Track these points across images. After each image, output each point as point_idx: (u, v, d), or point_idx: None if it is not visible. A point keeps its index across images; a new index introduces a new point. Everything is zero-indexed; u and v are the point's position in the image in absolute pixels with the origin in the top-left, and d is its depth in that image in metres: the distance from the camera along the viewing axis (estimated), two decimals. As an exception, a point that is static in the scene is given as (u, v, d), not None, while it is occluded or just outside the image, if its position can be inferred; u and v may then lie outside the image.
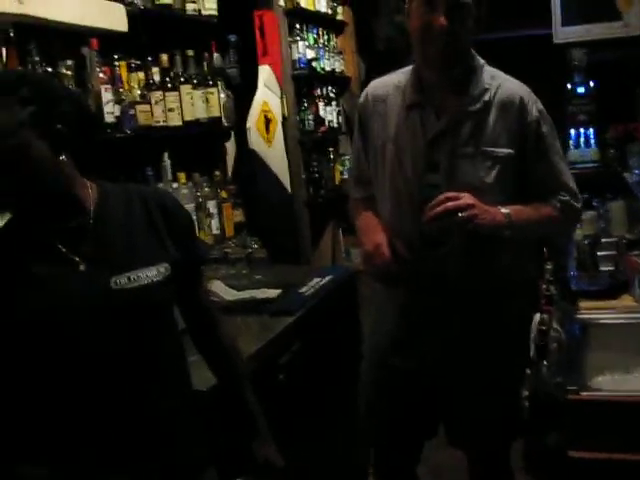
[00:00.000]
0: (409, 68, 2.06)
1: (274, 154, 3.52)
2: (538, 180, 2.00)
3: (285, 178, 3.62)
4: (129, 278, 1.48)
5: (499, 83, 1.97)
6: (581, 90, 4.68)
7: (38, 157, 1.39)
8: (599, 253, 2.89)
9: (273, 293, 2.75)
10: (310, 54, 3.91)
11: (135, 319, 1.49)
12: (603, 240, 3.12)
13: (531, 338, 2.23)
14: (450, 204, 1.83)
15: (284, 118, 3.64)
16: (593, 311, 2.43)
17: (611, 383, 2.15)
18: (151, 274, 1.50)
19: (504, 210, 1.90)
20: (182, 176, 2.92)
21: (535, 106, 1.99)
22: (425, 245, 1.95)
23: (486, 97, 1.94)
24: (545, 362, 2.03)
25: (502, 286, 2.01)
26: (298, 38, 3.83)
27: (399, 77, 2.07)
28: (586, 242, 2.88)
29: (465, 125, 1.93)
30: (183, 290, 1.63)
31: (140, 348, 1.51)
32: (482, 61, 2.00)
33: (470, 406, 2.06)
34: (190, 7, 2.97)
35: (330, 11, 4.22)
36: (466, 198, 1.85)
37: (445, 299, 1.98)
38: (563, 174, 2.03)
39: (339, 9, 4.37)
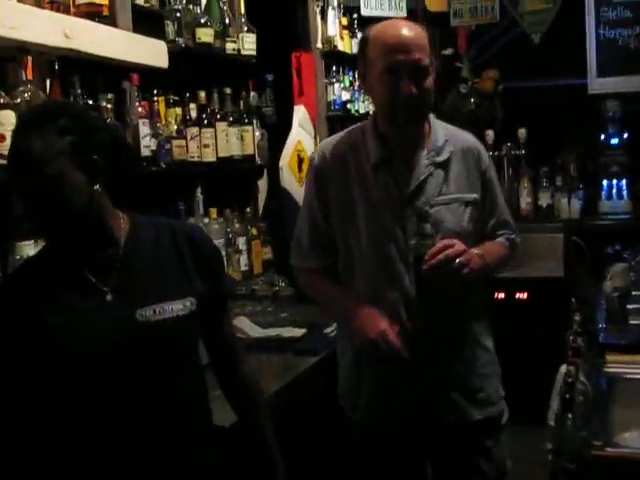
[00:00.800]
0: (359, 126, 2.12)
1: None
2: (490, 221, 2.13)
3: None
4: (155, 311, 1.49)
5: (455, 134, 2.10)
6: (614, 141, 4.67)
7: (73, 186, 1.42)
8: (629, 306, 2.86)
9: (298, 332, 2.76)
10: (345, 96, 3.96)
11: (159, 352, 1.50)
12: (633, 293, 3.09)
13: (556, 390, 2.20)
14: (450, 251, 1.88)
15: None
16: (621, 365, 2.40)
17: (637, 440, 2.11)
18: (177, 308, 1.52)
19: (478, 252, 1.98)
20: (213, 211, 2.97)
21: (486, 153, 2.16)
22: (423, 295, 1.97)
23: (449, 147, 2.04)
24: (570, 415, 1.99)
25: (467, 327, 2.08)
26: (334, 80, 3.89)
27: (350, 136, 2.10)
28: (616, 294, 2.85)
29: (435, 175, 2.01)
30: (208, 324, 1.64)
31: (162, 381, 1.51)
32: (432, 114, 2.09)
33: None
34: (230, 46, 3.04)
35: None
36: (460, 244, 1.91)
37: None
38: (506, 213, 2.19)
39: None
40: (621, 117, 4.68)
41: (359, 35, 4.14)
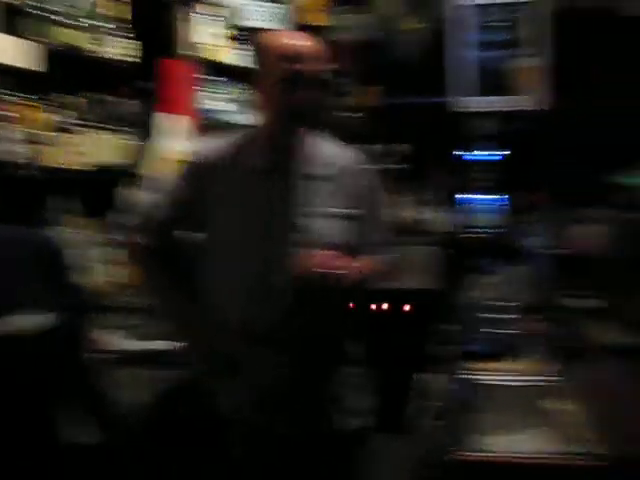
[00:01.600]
0: (242, 133, 2.10)
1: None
2: (369, 238, 2.11)
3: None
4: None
5: (341, 150, 2.11)
6: (487, 157, 4.87)
7: None
8: (495, 316, 2.97)
9: (174, 344, 2.69)
10: (220, 105, 3.92)
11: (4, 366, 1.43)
12: (499, 303, 3.21)
13: (423, 398, 2.25)
14: (322, 261, 1.88)
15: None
16: (483, 372, 2.48)
17: (500, 444, 2.18)
18: (28, 320, 1.45)
19: (353, 265, 1.97)
20: (83, 220, 2.87)
21: (371, 171, 2.16)
22: (292, 303, 1.96)
23: (335, 163, 2.05)
24: (435, 423, 2.04)
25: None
26: (209, 89, 3.85)
27: (234, 143, 2.08)
28: (483, 305, 2.96)
29: (318, 189, 2.01)
30: (64, 336, 1.58)
31: None
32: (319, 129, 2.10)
33: None
34: (106, 51, 2.97)
35: (245, 64, 4.26)
36: (333, 256, 1.90)
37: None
38: (386, 231, 2.20)
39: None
40: (494, 135, 4.88)
41: (238, 44, 4.14)
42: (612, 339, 2.76)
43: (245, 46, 4.18)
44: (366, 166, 2.16)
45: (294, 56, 1.91)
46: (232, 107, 4.03)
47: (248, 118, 4.18)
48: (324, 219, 2.01)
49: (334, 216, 2.03)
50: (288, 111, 1.93)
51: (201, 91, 3.81)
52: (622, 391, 2.23)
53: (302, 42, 1.95)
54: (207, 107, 3.81)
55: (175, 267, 2.11)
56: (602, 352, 2.64)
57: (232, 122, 4.02)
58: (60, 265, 1.57)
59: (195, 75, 3.76)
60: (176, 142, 3.50)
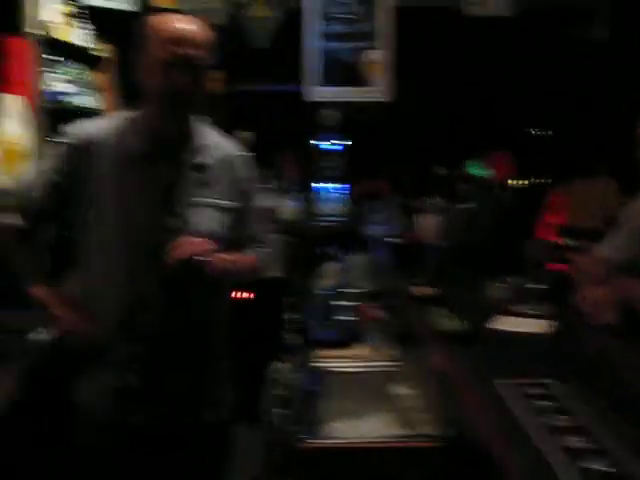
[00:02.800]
0: (127, 115, 2.04)
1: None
2: (245, 231, 2.12)
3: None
4: None
5: (219, 140, 2.10)
6: (330, 147, 4.98)
7: None
8: (339, 303, 3.04)
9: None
10: (64, 87, 3.75)
11: None
12: (345, 291, 3.30)
13: (270, 387, 2.28)
14: (193, 247, 1.86)
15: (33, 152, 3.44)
16: (329, 360, 2.55)
17: (343, 430, 2.25)
18: None
19: (224, 256, 1.97)
20: None
21: (249, 164, 2.16)
22: (162, 291, 1.93)
23: (214, 152, 2.04)
24: (281, 410, 2.07)
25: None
26: (52, 70, 3.66)
27: (115, 123, 2.03)
28: (327, 293, 3.03)
29: (193, 177, 2.00)
30: None
31: None
32: (201, 117, 2.08)
33: None
34: None
35: (91, 46, 4.10)
36: (205, 242, 1.89)
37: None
38: (261, 227, 2.21)
39: (102, 46, 4.26)
40: (338, 125, 4.99)
41: (82, 24, 3.96)
42: (445, 325, 2.91)
43: (87, 25, 4.02)
44: (244, 155, 2.15)
45: (178, 40, 1.86)
46: (73, 88, 3.85)
47: (90, 100, 4.04)
48: (201, 208, 1.99)
49: (211, 206, 2.00)
50: (169, 95, 1.88)
51: (43, 71, 3.61)
52: (452, 375, 2.35)
53: (188, 26, 1.89)
54: (48, 88, 3.62)
55: (37, 250, 2.03)
56: (436, 338, 2.78)
57: (74, 104, 3.85)
58: None
59: (36, 54, 3.56)
60: (15, 124, 3.31)
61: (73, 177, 1.95)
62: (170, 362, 1.98)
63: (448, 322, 2.95)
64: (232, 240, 2.07)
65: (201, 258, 1.86)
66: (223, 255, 1.95)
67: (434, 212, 3.10)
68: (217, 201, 2.02)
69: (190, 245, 1.86)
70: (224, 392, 2.12)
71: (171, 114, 1.93)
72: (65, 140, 1.99)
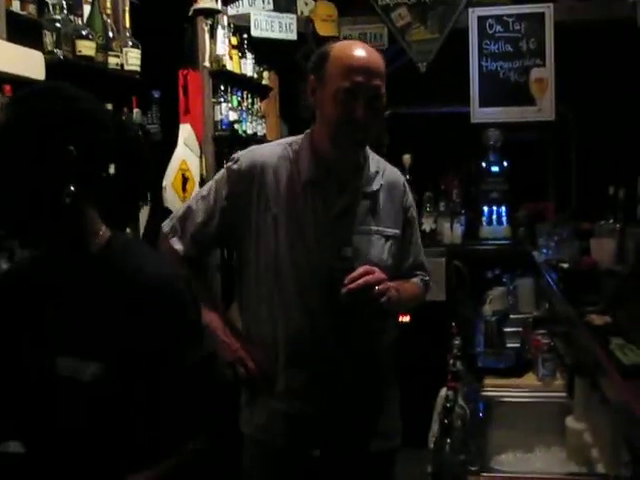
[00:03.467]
0: (295, 140, 2.05)
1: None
2: (406, 260, 2.11)
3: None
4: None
5: (385, 167, 2.08)
6: (495, 169, 4.86)
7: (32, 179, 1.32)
8: (506, 329, 2.94)
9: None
10: (233, 116, 3.91)
11: None
12: (511, 316, 3.18)
13: (435, 414, 2.22)
14: (370, 277, 1.83)
15: (202, 178, 3.61)
16: (498, 389, 2.46)
17: (513, 462, 2.16)
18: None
19: (394, 285, 1.93)
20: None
21: (410, 192, 2.14)
22: (336, 317, 1.90)
23: (379, 180, 2.02)
24: (449, 439, 2.01)
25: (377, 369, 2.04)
26: (222, 100, 3.83)
27: (285, 148, 2.03)
28: (494, 319, 2.93)
29: (362, 204, 1.99)
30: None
31: None
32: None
33: None
34: (113, 61, 2.93)
35: (256, 75, 4.26)
36: (380, 272, 1.86)
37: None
38: (422, 255, 2.19)
39: (265, 74, 4.41)
40: (501, 146, 4.87)
41: (248, 55, 4.13)
42: (622, 357, 2.72)
43: (252, 55, 4.18)
44: (407, 182, 2.14)
45: (360, 69, 1.86)
46: (241, 116, 4.01)
47: (256, 127, 4.19)
48: (369, 236, 1.98)
49: (377, 234, 1.99)
50: (343, 122, 1.87)
51: (215, 102, 3.80)
52: (630, 410, 2.19)
53: (370, 56, 1.90)
54: (221, 118, 3.79)
55: (204, 276, 2.06)
56: (612, 370, 2.61)
57: (242, 131, 4.01)
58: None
59: (210, 85, 3.75)
60: (190, 152, 3.49)
61: (241, 202, 1.97)
62: (343, 390, 1.95)
63: (626, 353, 2.75)
64: (396, 268, 2.04)
65: (376, 288, 1.83)
66: (392, 284, 1.91)
67: (609, 235, 2.92)
68: (383, 229, 2.01)
69: (366, 275, 1.83)
70: (393, 420, 2.08)
71: (347, 142, 1.91)
72: (235, 166, 2.01)
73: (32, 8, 2.61)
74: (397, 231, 2.04)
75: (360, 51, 1.90)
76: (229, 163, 2.06)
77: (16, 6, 2.53)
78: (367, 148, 2.05)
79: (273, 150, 2.04)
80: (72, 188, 1.30)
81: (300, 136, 2.05)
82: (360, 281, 1.82)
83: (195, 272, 2.03)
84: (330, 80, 1.89)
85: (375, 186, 2.01)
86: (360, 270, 1.83)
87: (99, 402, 1.30)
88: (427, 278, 2.19)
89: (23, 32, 2.50)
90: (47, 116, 1.30)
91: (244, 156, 2.03)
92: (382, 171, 2.05)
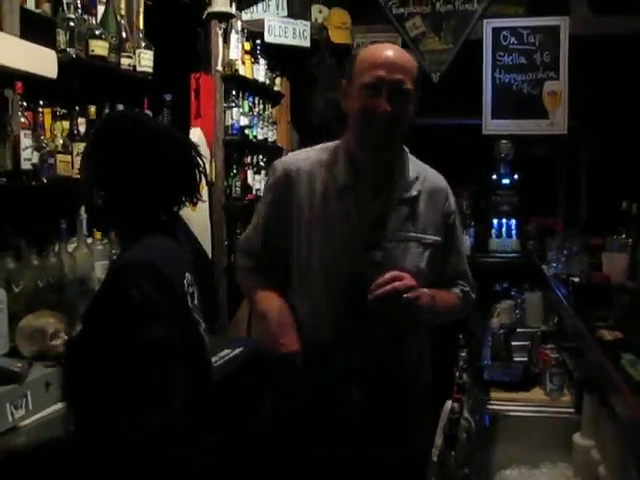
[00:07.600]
0: (330, 145, 2.03)
1: (197, 217, 3.46)
2: (446, 268, 2.04)
3: (206, 243, 3.56)
4: None
5: (425, 172, 2.02)
6: (506, 181, 4.84)
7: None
8: (514, 343, 2.91)
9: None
10: (244, 121, 3.90)
11: None
12: (518, 330, 3.15)
13: (440, 426, 2.18)
14: (398, 284, 1.79)
15: (211, 183, 3.60)
16: (504, 402, 2.43)
17: (517, 477, 2.12)
18: None
19: (428, 292, 1.89)
20: (98, 233, 2.81)
21: (453, 198, 2.07)
22: (362, 323, 1.88)
23: (418, 185, 1.97)
24: (453, 452, 1.98)
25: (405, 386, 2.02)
26: (233, 104, 3.83)
27: (319, 154, 2.01)
28: (501, 332, 2.90)
29: (399, 210, 1.94)
30: None
31: None
32: (405, 148, 2.02)
33: None
34: (125, 62, 2.93)
35: (268, 81, 4.25)
36: (410, 279, 1.82)
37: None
38: (465, 265, 2.12)
39: (277, 80, 4.41)
40: (513, 158, 4.84)
41: (261, 61, 4.12)
42: (633, 373, 2.69)
43: (264, 61, 4.17)
44: (448, 188, 2.07)
45: (381, 64, 1.84)
46: (253, 121, 4.00)
47: (267, 133, 4.18)
48: (405, 243, 1.93)
49: (415, 240, 1.95)
50: (366, 118, 1.84)
51: (227, 106, 3.79)
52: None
53: (394, 53, 1.88)
54: (232, 122, 3.78)
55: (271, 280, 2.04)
56: (622, 386, 2.57)
57: (256, 138, 4.01)
58: None
59: (222, 90, 3.75)
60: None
61: (281, 208, 1.97)
62: (373, 396, 1.93)
63: (637, 369, 2.72)
64: (435, 276, 1.98)
65: (406, 295, 1.79)
66: (425, 290, 1.87)
67: (621, 250, 2.89)
68: (421, 235, 1.95)
69: (395, 281, 1.79)
70: (418, 430, 2.06)
71: (371, 138, 1.87)
72: (273, 174, 2.02)
73: (47, 6, 2.62)
74: (438, 238, 1.98)
75: (384, 48, 1.89)
76: (269, 173, 2.09)
77: (31, 4, 2.54)
78: (407, 153, 2.01)
79: (309, 155, 2.03)
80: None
81: (337, 141, 2.03)
82: (388, 287, 1.78)
83: (265, 278, 2.04)
84: (355, 80, 1.88)
85: (414, 192, 1.96)
86: (387, 276, 1.79)
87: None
88: (467, 288, 2.09)
89: (37, 30, 2.50)
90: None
91: (280, 163, 2.04)
92: (423, 177, 2.00)
